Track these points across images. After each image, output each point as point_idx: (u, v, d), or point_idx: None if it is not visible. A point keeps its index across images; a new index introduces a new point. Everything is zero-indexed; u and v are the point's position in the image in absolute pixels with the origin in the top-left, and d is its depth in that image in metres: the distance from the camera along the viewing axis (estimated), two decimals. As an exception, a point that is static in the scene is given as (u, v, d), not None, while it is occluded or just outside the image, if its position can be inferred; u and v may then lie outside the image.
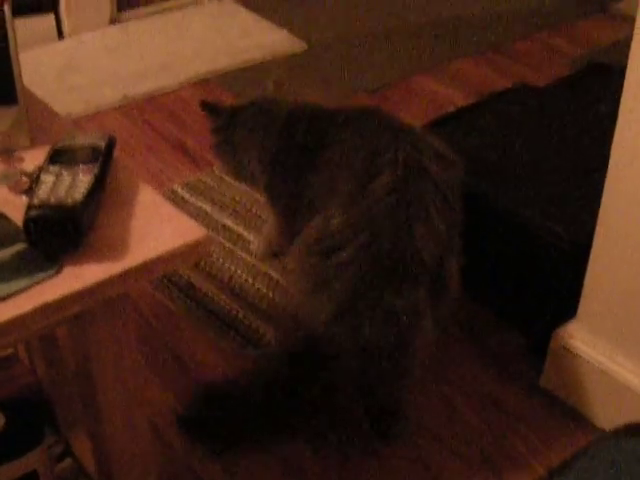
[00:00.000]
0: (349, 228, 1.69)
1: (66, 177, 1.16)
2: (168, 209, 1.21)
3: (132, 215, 1.18)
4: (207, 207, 2.52)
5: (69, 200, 1.11)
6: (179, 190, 2.60)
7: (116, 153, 1.28)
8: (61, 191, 1.12)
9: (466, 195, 2.08)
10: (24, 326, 1.03)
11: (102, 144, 1.25)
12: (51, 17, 3.33)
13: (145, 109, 3.03)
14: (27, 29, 3.14)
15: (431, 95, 3.13)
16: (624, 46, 3.57)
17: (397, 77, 3.23)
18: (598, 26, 3.70)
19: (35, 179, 1.18)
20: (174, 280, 2.26)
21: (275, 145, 2.02)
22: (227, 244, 2.38)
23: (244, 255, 2.34)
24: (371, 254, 1.66)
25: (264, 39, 3.40)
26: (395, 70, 3.28)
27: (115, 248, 1.12)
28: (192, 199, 2.56)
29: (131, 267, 1.09)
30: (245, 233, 2.42)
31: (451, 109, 2.91)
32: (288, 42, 3.41)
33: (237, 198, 2.55)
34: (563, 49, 3.50)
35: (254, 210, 2.51)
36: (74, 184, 1.14)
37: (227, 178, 2.60)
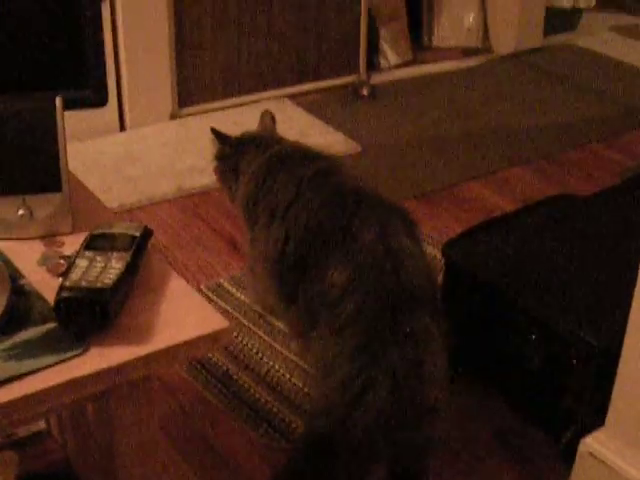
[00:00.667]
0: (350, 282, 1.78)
1: (99, 262, 1.22)
2: (195, 299, 1.26)
3: (160, 302, 1.24)
4: (247, 299, 2.58)
5: (99, 284, 1.16)
6: (225, 283, 2.65)
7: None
8: (93, 275, 1.18)
9: (501, 299, 2.12)
10: (50, 399, 1.08)
11: (137, 234, 1.31)
12: (114, 110, 3.47)
13: (198, 203, 3.12)
14: (90, 120, 3.26)
15: (480, 202, 3.18)
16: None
17: (447, 183, 3.29)
18: (648, 138, 3.75)
19: (71, 263, 1.24)
20: (211, 369, 2.30)
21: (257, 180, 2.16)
22: (266, 338, 2.43)
23: (282, 349, 2.38)
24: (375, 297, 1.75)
25: (320, 140, 3.48)
26: (445, 176, 3.34)
27: (141, 332, 1.17)
28: (237, 293, 2.61)
29: (154, 351, 1.14)
30: (285, 328, 2.46)
31: (497, 214, 2.95)
32: (343, 144, 3.49)
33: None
34: (613, 160, 3.54)
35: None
36: (106, 269, 1.20)
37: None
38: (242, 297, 2.59)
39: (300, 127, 3.61)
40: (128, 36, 3.40)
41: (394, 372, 1.66)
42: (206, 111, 3.72)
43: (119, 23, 3.38)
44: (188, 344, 1.17)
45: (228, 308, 2.53)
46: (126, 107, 3.50)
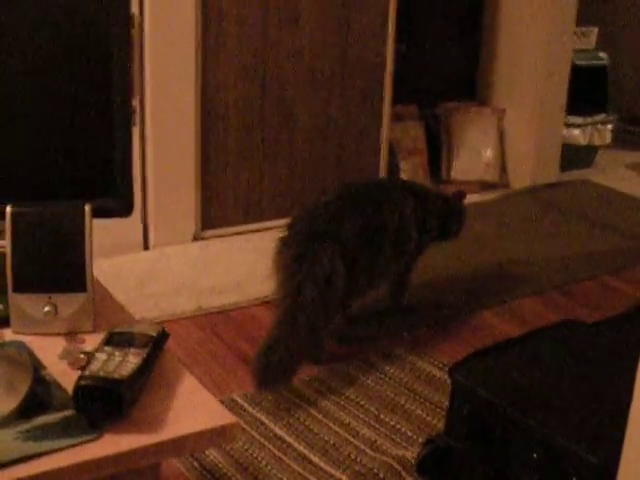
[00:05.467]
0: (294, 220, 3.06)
1: (117, 356, 1.30)
2: (204, 395, 1.34)
3: (172, 397, 1.31)
4: (262, 417, 2.63)
5: (116, 375, 1.25)
6: (238, 399, 2.72)
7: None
8: (110, 367, 1.27)
9: (505, 419, 2.18)
10: (63, 479, 1.15)
11: (154, 334, 1.40)
12: (139, 228, 3.60)
13: (216, 321, 3.20)
14: (116, 238, 3.38)
15: (489, 330, 3.25)
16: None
17: (459, 311, 3.37)
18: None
19: (91, 356, 1.33)
20: (222, 481, 2.35)
21: None
22: (277, 453, 2.48)
23: (293, 464, 2.43)
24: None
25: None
26: (458, 304, 3.42)
27: (152, 423, 1.24)
28: (249, 409, 2.67)
29: (163, 441, 1.22)
30: (296, 444, 2.51)
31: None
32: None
33: (292, 411, 2.66)
34: (622, 291, 3.62)
35: (307, 423, 2.61)
36: (123, 363, 1.28)
37: (285, 392, 2.74)
38: (255, 413, 2.65)
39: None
40: (155, 158, 3.55)
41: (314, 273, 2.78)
42: (228, 234, 3.84)
43: (148, 146, 3.53)
44: (196, 436, 1.24)
45: (241, 423, 2.59)
46: (151, 226, 3.63)
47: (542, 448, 2.09)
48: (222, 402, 2.61)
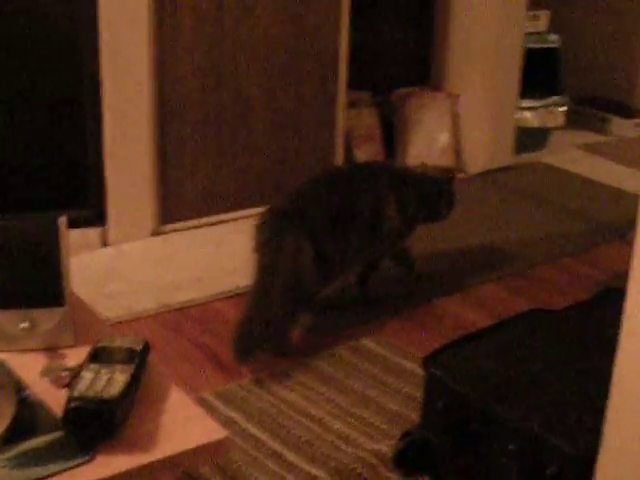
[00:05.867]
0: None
1: (104, 374, 1.27)
2: (195, 410, 1.32)
3: (162, 413, 1.29)
4: (234, 415, 2.61)
5: (105, 395, 1.22)
6: (208, 398, 2.69)
7: (150, 358, 1.40)
8: (99, 387, 1.24)
9: (480, 411, 2.18)
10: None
11: (138, 348, 1.37)
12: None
13: (180, 318, 3.17)
14: (73, 236, 3.31)
15: (455, 318, 3.25)
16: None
17: (422, 300, 3.37)
18: (617, 252, 3.85)
19: (75, 374, 1.30)
20: (198, 483, 2.33)
21: None
22: (252, 452, 2.46)
23: (268, 463, 2.41)
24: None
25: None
26: (421, 293, 3.41)
27: (144, 442, 1.22)
28: (220, 407, 2.64)
29: (157, 460, 1.19)
30: (270, 442, 2.49)
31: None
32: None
33: (264, 408, 2.64)
34: (585, 275, 3.64)
35: (280, 420, 2.59)
36: (111, 381, 1.25)
37: (255, 389, 2.71)
38: (226, 411, 2.62)
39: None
40: (111, 154, 3.49)
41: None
42: (188, 228, 3.80)
43: (104, 141, 3.47)
44: (190, 453, 1.22)
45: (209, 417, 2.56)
46: (109, 224, 3.57)
47: (519, 439, 2.09)
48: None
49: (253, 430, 2.55)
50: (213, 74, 3.72)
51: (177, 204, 3.78)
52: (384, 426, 2.59)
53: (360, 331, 3.13)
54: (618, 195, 4.47)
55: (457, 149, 4.72)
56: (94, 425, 1.19)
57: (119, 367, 1.30)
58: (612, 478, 1.82)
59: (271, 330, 2.86)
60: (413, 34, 4.70)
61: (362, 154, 4.43)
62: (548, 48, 4.82)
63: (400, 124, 4.65)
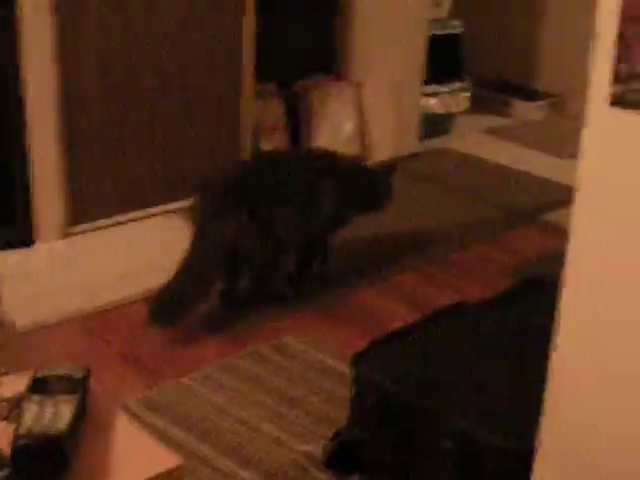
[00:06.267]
0: None
1: (49, 407, 1.23)
2: (144, 438, 1.28)
3: (110, 442, 1.26)
4: (158, 422, 2.57)
5: (54, 430, 1.18)
6: (132, 405, 2.64)
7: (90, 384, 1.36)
8: (46, 421, 1.20)
9: (412, 409, 2.18)
10: None
11: (79, 375, 1.33)
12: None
13: (98, 322, 3.10)
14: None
15: (373, 310, 3.26)
16: (554, 257, 3.79)
17: (340, 291, 3.37)
18: (529, 237, 3.92)
19: (15, 406, 1.25)
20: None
21: None
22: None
23: (201, 469, 2.38)
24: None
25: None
26: (339, 284, 3.42)
27: (97, 475, 1.18)
28: (145, 414, 2.60)
29: (111, 495, 1.16)
30: (200, 448, 2.46)
31: (392, 323, 3.06)
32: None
33: (190, 413, 2.61)
34: (497, 260, 3.69)
35: (207, 424, 2.56)
36: (58, 414, 1.21)
37: (180, 392, 2.68)
38: (150, 419, 2.58)
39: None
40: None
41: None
42: (98, 228, 3.72)
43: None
44: (143, 484, 1.19)
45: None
46: (18, 225, 3.46)
47: (454, 436, 2.11)
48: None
49: (181, 436, 2.51)
50: (118, 69, 3.65)
51: (87, 203, 3.70)
52: (311, 426, 2.58)
53: (280, 327, 3.12)
54: (526, 178, 4.54)
55: (363, 137, 4.73)
56: (45, 463, 1.15)
57: (63, 398, 1.25)
58: (551, 471, 1.85)
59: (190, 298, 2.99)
60: (317, 24, 4.68)
61: (269, 145, 4.40)
62: (450, 34, 4.86)
63: (306, 114, 4.63)
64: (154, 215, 3.83)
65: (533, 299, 2.65)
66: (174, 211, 3.89)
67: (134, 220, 3.82)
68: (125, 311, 3.17)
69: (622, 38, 1.51)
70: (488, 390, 2.21)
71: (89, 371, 1.37)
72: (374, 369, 2.29)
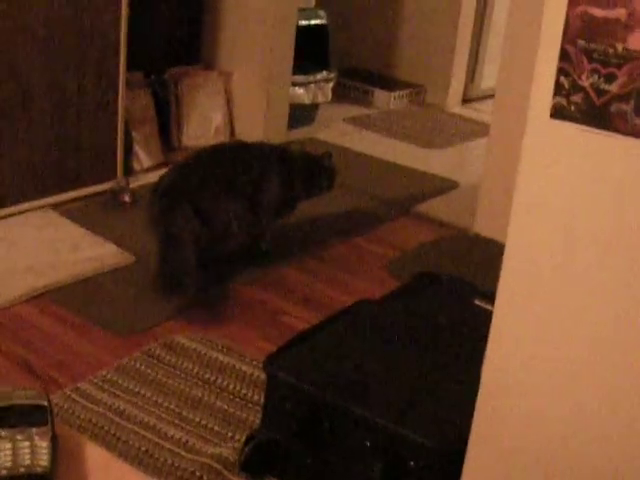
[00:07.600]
0: None
1: (23, 441, 1.18)
2: (119, 466, 1.26)
3: (87, 474, 1.22)
4: (60, 432, 2.49)
5: (38, 469, 1.13)
6: (27, 411, 2.56)
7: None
8: (25, 458, 1.15)
9: (322, 411, 2.20)
10: None
11: (44, 403, 1.28)
12: None
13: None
14: None
15: (262, 305, 3.26)
16: (431, 249, 3.87)
17: (224, 288, 3.36)
18: (405, 227, 3.99)
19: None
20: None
21: None
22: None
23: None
24: None
25: (92, 253, 3.44)
26: (220, 281, 3.40)
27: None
28: (41, 420, 2.53)
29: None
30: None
31: (282, 319, 3.09)
32: (116, 256, 3.46)
33: (93, 419, 2.55)
34: (375, 251, 3.74)
35: (112, 431, 2.51)
36: (35, 449, 1.17)
37: (78, 399, 2.61)
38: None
39: (69, 239, 3.54)
40: None
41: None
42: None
43: None
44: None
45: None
46: None
47: (375, 435, 2.13)
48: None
49: (86, 444, 2.45)
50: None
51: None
52: (217, 428, 2.56)
53: (170, 326, 3.08)
54: (393, 169, 4.61)
55: (231, 127, 4.71)
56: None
57: (34, 430, 1.21)
58: (481, 467, 1.90)
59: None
60: (185, 11, 4.62)
61: (139, 136, 4.32)
62: (317, 24, 4.87)
63: (174, 104, 4.58)
64: (29, 210, 3.71)
65: (429, 294, 2.70)
66: (47, 207, 3.78)
67: (8, 217, 3.68)
68: (8, 315, 3.05)
69: (564, 52, 1.56)
70: (403, 388, 2.25)
71: (48, 397, 1.32)
72: (288, 372, 2.29)
